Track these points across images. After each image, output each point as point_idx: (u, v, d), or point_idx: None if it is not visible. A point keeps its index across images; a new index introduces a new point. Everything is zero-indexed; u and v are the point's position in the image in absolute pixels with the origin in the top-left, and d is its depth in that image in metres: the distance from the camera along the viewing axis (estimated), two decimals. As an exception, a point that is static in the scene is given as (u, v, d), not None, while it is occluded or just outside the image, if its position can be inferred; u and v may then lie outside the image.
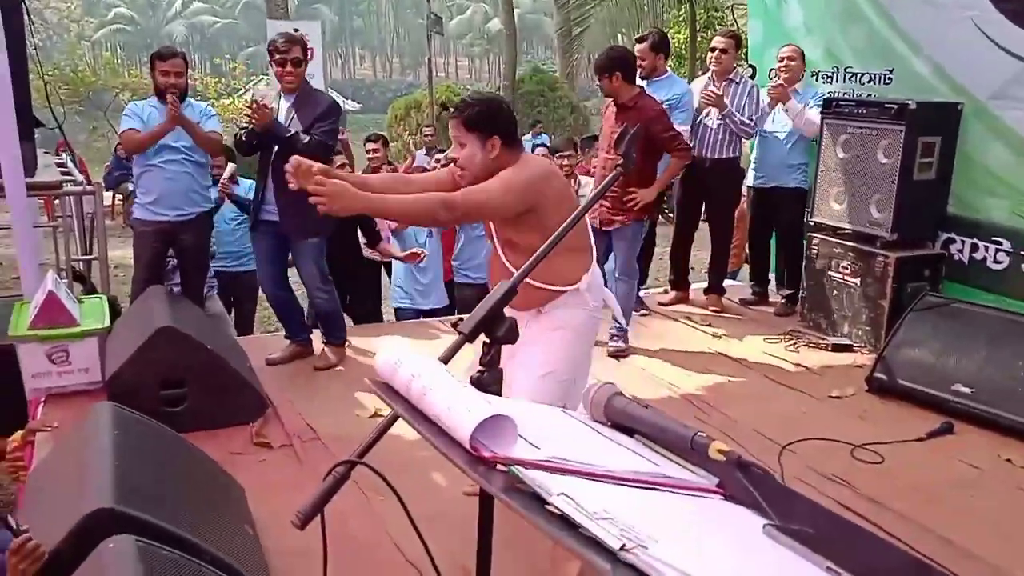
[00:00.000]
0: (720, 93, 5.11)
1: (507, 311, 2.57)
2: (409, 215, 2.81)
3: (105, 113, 18.68)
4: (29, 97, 5.10)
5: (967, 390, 3.85)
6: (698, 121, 5.21)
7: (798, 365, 4.64)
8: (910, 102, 4.57)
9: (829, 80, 5.53)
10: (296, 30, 9.83)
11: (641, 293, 5.56)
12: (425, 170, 5.55)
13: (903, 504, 3.10)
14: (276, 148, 4.22)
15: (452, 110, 2.71)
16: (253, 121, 4.11)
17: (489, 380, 1.42)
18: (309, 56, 4.28)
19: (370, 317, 5.68)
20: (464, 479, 3.02)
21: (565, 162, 5.86)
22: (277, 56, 4.23)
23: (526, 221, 2.60)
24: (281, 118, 4.22)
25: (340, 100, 10.98)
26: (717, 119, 5.18)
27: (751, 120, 5.15)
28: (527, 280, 2.38)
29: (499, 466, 1.03)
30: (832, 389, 4.24)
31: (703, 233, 5.76)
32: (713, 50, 5.35)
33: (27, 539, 1.96)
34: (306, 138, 4.11)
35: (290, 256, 4.60)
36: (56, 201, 5.85)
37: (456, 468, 3.14)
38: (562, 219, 2.58)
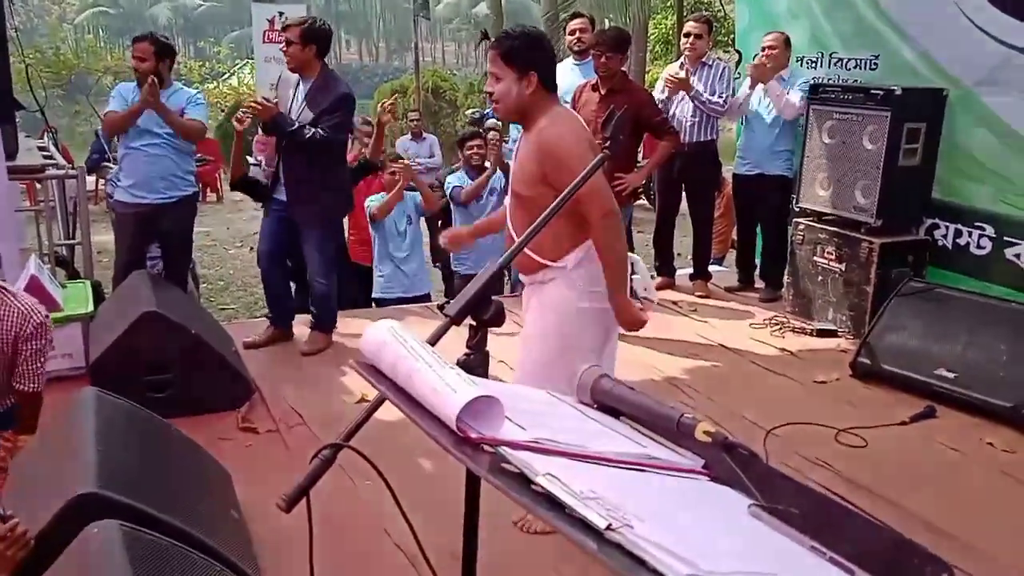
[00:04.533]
0: (683, 77, 5.12)
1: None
2: (619, 262, 2.60)
3: (88, 97, 18.45)
4: (10, 80, 5.06)
5: (950, 374, 3.88)
6: (670, 112, 5.21)
7: (783, 350, 4.67)
8: (896, 88, 4.58)
9: (814, 66, 5.54)
10: (281, 13, 9.76)
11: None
12: (400, 159, 5.45)
13: (886, 487, 3.13)
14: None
15: (492, 41, 2.65)
16: (256, 114, 4.11)
17: (475, 362, 1.42)
18: (298, 39, 4.21)
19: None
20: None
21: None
22: (284, 37, 4.27)
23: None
24: (296, 104, 4.22)
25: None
26: (688, 107, 5.21)
27: (721, 98, 5.16)
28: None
29: (485, 447, 1.03)
30: (816, 374, 4.27)
31: (688, 219, 5.77)
32: (688, 35, 5.35)
33: (14, 525, 1.95)
34: (310, 131, 4.08)
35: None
36: (38, 185, 5.80)
37: (442, 452, 3.14)
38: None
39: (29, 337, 2.97)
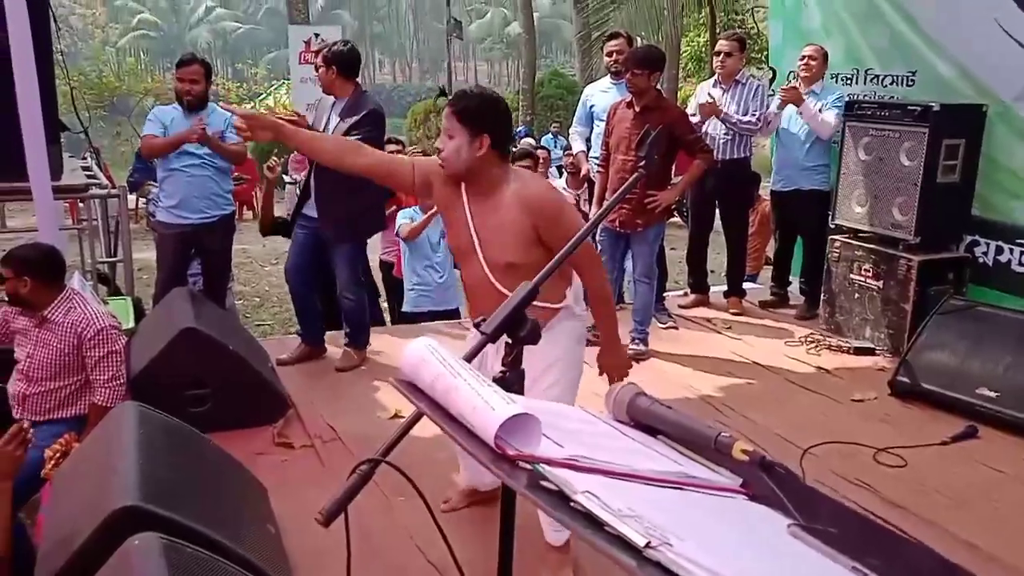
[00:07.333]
0: (711, 102, 5.14)
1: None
2: (610, 311, 2.76)
3: (129, 118, 18.89)
4: (55, 102, 5.17)
5: (991, 394, 3.81)
6: (703, 131, 5.21)
7: (819, 368, 4.61)
8: (934, 104, 4.53)
9: (849, 82, 5.50)
10: (317, 35, 9.98)
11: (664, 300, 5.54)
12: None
13: (926, 508, 3.08)
14: None
15: (450, 99, 2.64)
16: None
17: (512, 380, 1.43)
18: (321, 62, 4.36)
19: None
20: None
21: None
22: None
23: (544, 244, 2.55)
24: (331, 122, 4.33)
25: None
26: (721, 126, 5.22)
27: (754, 117, 5.14)
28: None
29: (523, 464, 1.04)
30: (854, 392, 4.22)
31: (722, 236, 5.74)
32: (718, 54, 5.36)
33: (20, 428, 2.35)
34: None
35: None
36: (81, 204, 5.92)
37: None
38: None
39: (91, 342, 3.15)
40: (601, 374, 2.76)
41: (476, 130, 2.48)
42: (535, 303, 2.08)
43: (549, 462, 1.02)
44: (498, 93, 2.69)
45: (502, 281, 2.52)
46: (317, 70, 4.43)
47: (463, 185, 2.60)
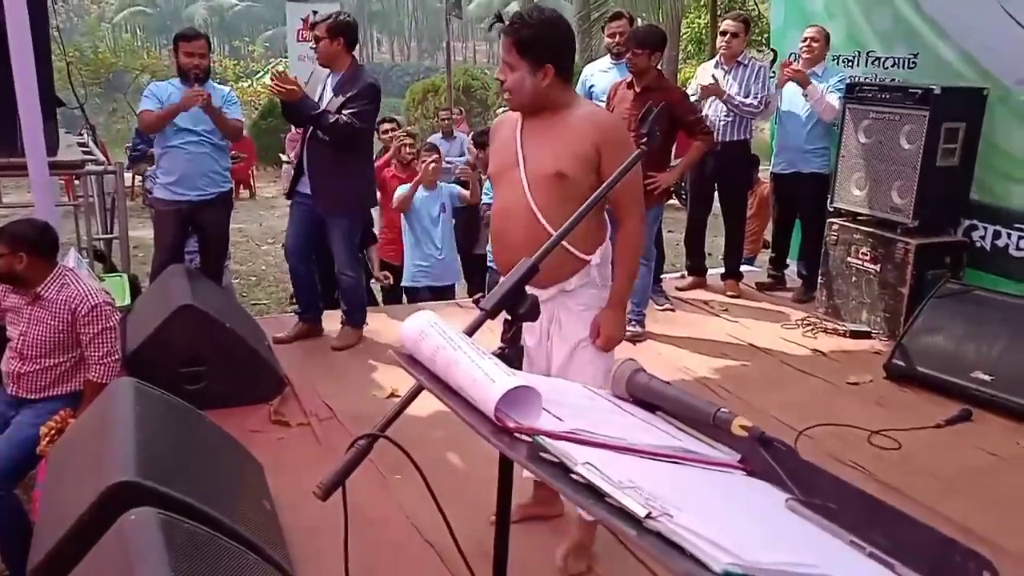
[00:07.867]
0: (713, 84, 5.11)
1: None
2: (633, 266, 2.56)
3: (125, 94, 18.76)
4: (52, 77, 5.13)
5: (986, 377, 3.82)
6: (703, 112, 5.18)
7: (815, 351, 4.62)
8: (935, 87, 4.51)
9: (851, 64, 5.48)
10: (315, 12, 9.89)
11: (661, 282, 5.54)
12: (436, 149, 5.52)
13: (920, 491, 3.09)
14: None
15: (506, 25, 2.37)
16: (279, 93, 4.19)
17: (511, 356, 1.43)
18: (325, 33, 4.31)
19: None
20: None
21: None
22: (313, 35, 4.46)
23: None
24: (325, 96, 4.30)
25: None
26: (721, 106, 5.19)
27: (756, 99, 5.13)
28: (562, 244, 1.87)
29: (523, 436, 1.04)
30: (849, 375, 4.23)
31: (720, 219, 5.73)
32: (724, 34, 5.33)
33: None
34: (333, 117, 4.15)
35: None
36: (76, 181, 5.89)
37: (471, 449, 3.13)
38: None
39: (85, 319, 3.13)
40: (594, 337, 2.48)
41: (537, 60, 2.32)
42: (564, 243, 1.87)
43: (549, 434, 1.02)
44: (557, 11, 2.46)
45: (539, 202, 2.37)
46: (318, 42, 4.33)
47: (520, 118, 2.47)
